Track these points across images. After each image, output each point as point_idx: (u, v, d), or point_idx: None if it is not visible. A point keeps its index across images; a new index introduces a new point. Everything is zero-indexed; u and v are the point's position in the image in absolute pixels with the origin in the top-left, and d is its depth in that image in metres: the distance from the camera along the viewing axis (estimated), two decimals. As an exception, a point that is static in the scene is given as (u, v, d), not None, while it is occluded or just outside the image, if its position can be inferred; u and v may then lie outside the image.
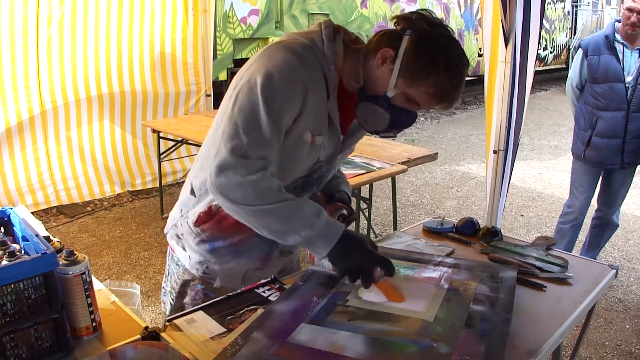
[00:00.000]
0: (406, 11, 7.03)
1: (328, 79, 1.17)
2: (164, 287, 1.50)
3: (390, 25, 1.18)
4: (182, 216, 1.35)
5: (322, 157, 1.26)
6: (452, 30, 1.17)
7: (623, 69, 2.85)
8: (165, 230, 1.45)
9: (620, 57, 2.86)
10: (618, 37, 2.87)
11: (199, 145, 2.12)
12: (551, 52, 11.26)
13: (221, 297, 1.30)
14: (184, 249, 1.38)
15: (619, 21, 2.90)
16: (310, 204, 1.15)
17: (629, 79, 2.86)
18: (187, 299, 1.42)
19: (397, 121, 1.17)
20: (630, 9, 2.78)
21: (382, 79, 1.14)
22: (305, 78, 1.11)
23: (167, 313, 1.47)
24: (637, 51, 2.86)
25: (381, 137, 1.28)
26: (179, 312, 1.37)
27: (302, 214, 1.13)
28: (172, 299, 1.44)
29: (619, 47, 2.87)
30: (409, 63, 1.10)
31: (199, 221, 1.30)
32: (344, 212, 1.35)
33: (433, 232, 1.74)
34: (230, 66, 5.85)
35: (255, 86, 1.09)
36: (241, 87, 1.12)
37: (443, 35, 1.12)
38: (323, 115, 1.19)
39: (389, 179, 3.35)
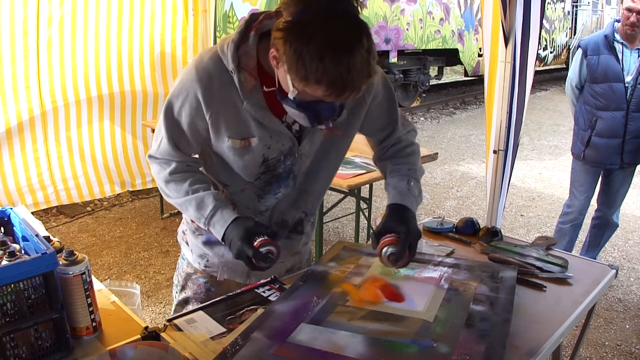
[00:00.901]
0: (406, 11, 7.02)
1: (237, 83, 1.12)
2: (174, 282, 1.54)
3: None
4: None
5: (273, 155, 1.22)
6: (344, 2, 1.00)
7: (622, 68, 2.85)
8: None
9: (620, 57, 2.86)
10: (617, 37, 2.87)
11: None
12: (551, 52, 11.26)
13: (221, 297, 1.30)
14: (187, 243, 1.44)
15: (618, 21, 2.90)
16: (196, 199, 1.22)
17: (628, 78, 2.86)
18: (189, 292, 1.45)
19: (317, 115, 1.08)
20: (629, 9, 2.78)
21: (284, 80, 1.05)
22: (200, 91, 1.13)
23: (173, 307, 1.51)
24: (637, 51, 2.86)
25: (323, 126, 1.17)
26: (183, 305, 1.44)
27: (192, 208, 1.22)
28: (177, 293, 1.49)
29: (618, 47, 2.87)
30: (287, 63, 0.99)
31: None
32: (392, 250, 1.21)
33: (433, 232, 1.74)
34: (230, 66, 5.84)
35: (167, 99, 1.20)
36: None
37: (312, 20, 0.97)
38: (244, 119, 1.16)
39: (389, 179, 3.35)
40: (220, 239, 1.22)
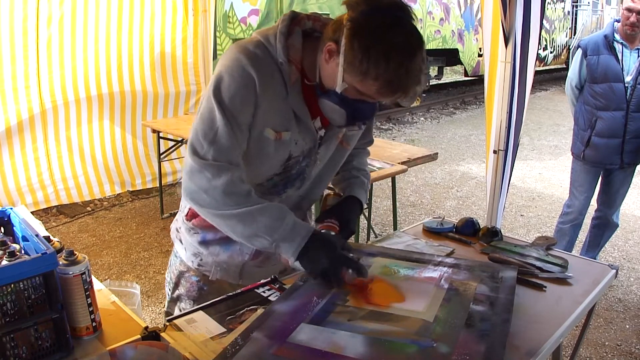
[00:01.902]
0: (406, 11, 6.91)
1: (284, 74, 1.15)
2: (166, 279, 1.54)
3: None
4: (180, 210, 1.42)
5: (296, 153, 1.23)
6: (406, 9, 1.06)
7: (622, 68, 2.85)
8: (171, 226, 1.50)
9: (620, 57, 2.86)
10: (617, 37, 2.87)
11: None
12: (551, 52, 11.26)
13: (221, 297, 1.30)
14: (180, 241, 1.43)
15: (618, 21, 2.90)
16: (275, 208, 1.17)
17: (628, 78, 2.86)
18: (182, 290, 1.45)
19: (355, 114, 1.13)
20: (629, 9, 2.78)
21: (332, 74, 1.10)
22: (254, 75, 1.11)
23: (166, 304, 1.51)
24: (637, 51, 2.86)
25: (349, 130, 1.26)
26: (175, 303, 1.45)
27: (266, 218, 1.15)
28: (170, 290, 1.49)
29: (618, 47, 2.87)
30: (348, 57, 1.04)
31: (190, 215, 1.37)
32: (332, 233, 1.29)
33: (433, 232, 1.74)
34: (230, 66, 5.84)
35: (210, 91, 1.13)
36: (203, 94, 1.19)
37: (382, 21, 1.03)
38: (285, 111, 1.18)
39: (389, 179, 3.35)
40: (296, 252, 1.17)
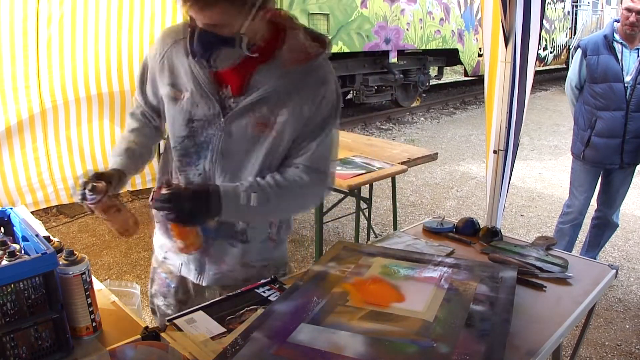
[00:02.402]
0: (406, 11, 7.00)
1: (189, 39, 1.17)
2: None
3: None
4: None
5: (197, 116, 1.25)
6: None
7: (622, 68, 2.85)
8: None
9: (619, 57, 2.86)
10: (617, 37, 2.87)
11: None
12: (551, 52, 11.26)
13: (221, 297, 1.31)
14: (155, 232, 1.48)
15: (617, 21, 2.90)
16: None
17: (628, 78, 2.86)
18: (155, 287, 1.50)
19: (192, 43, 1.15)
20: (629, 9, 2.77)
21: None
22: (160, 40, 1.30)
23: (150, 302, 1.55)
24: (636, 51, 2.86)
25: (197, 62, 1.21)
26: (151, 299, 1.50)
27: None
28: (149, 286, 1.54)
29: (617, 47, 2.87)
30: None
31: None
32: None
33: (433, 232, 1.74)
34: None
35: None
36: None
37: None
38: (186, 72, 1.24)
39: (389, 179, 3.35)
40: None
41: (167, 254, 1.43)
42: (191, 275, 1.41)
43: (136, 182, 4.52)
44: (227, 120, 1.23)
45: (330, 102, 1.25)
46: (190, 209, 1.14)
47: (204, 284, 1.40)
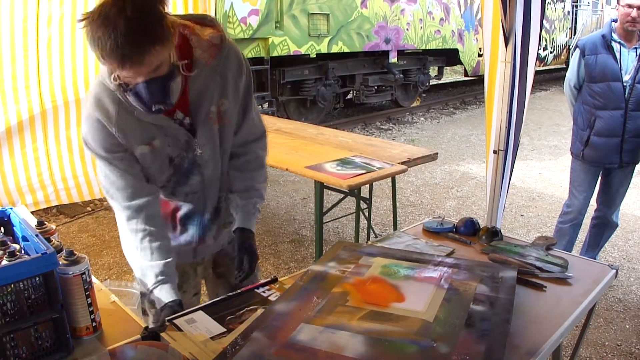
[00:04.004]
0: (406, 11, 6.99)
1: (123, 98, 1.21)
2: None
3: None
4: None
5: (175, 153, 1.33)
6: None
7: (620, 68, 2.85)
8: None
9: (618, 56, 2.86)
10: (615, 36, 2.87)
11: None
12: (551, 52, 11.26)
13: (221, 297, 1.31)
14: None
15: (615, 21, 2.90)
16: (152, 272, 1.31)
17: (626, 77, 2.86)
18: None
19: (141, 97, 1.16)
20: (630, 5, 2.77)
21: None
22: (100, 115, 1.23)
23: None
24: (635, 50, 2.85)
25: (156, 112, 1.22)
26: (144, 297, 1.52)
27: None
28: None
29: (616, 46, 2.87)
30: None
31: None
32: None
33: (433, 232, 1.74)
34: (230, 66, 5.84)
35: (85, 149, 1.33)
36: None
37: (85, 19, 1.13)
38: (142, 125, 1.26)
39: (389, 179, 3.35)
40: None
41: None
42: (185, 259, 1.52)
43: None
44: (197, 137, 1.33)
45: (247, 70, 1.38)
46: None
47: (198, 259, 1.55)
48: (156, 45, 1.07)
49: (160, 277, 1.30)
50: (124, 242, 1.36)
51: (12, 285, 0.99)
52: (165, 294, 1.28)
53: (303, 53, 6.45)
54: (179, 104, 1.27)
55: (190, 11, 4.31)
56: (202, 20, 1.32)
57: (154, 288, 1.29)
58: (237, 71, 1.33)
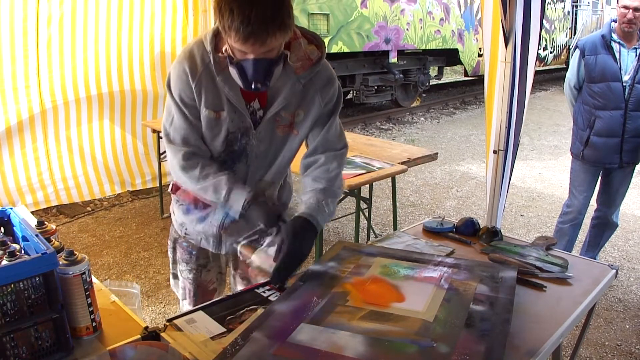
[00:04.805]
0: (406, 11, 7.00)
1: (213, 62, 1.33)
2: (168, 244, 1.73)
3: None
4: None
5: (233, 129, 1.39)
6: None
7: (620, 68, 2.85)
8: None
9: (617, 57, 2.86)
10: (614, 36, 2.88)
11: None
12: (551, 52, 11.26)
13: (221, 297, 1.31)
14: (174, 212, 1.64)
15: (614, 21, 2.90)
16: (221, 185, 1.35)
17: (626, 78, 2.86)
18: (178, 254, 1.66)
19: (245, 73, 1.25)
20: (626, 7, 2.78)
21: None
22: (187, 67, 1.34)
23: (171, 265, 1.70)
24: (634, 50, 2.86)
25: (254, 89, 1.29)
26: (175, 265, 1.68)
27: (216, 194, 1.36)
28: (171, 254, 1.69)
29: (615, 46, 2.87)
30: (217, 22, 1.21)
31: (174, 188, 1.57)
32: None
33: (433, 232, 1.74)
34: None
35: (166, 86, 1.40)
36: None
37: None
38: (218, 93, 1.35)
39: (389, 179, 3.35)
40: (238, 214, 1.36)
41: (187, 230, 1.59)
42: (210, 247, 1.58)
43: (136, 182, 4.53)
44: (258, 129, 1.40)
45: (335, 97, 1.45)
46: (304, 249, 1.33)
47: (222, 253, 1.59)
48: (281, 31, 1.17)
49: (227, 187, 1.35)
50: (181, 182, 1.44)
51: (12, 285, 0.99)
52: (239, 197, 1.34)
53: (303, 53, 6.44)
54: (261, 95, 1.37)
55: (190, 10, 4.32)
56: (312, 36, 1.41)
57: (227, 197, 1.34)
58: (324, 91, 1.40)
